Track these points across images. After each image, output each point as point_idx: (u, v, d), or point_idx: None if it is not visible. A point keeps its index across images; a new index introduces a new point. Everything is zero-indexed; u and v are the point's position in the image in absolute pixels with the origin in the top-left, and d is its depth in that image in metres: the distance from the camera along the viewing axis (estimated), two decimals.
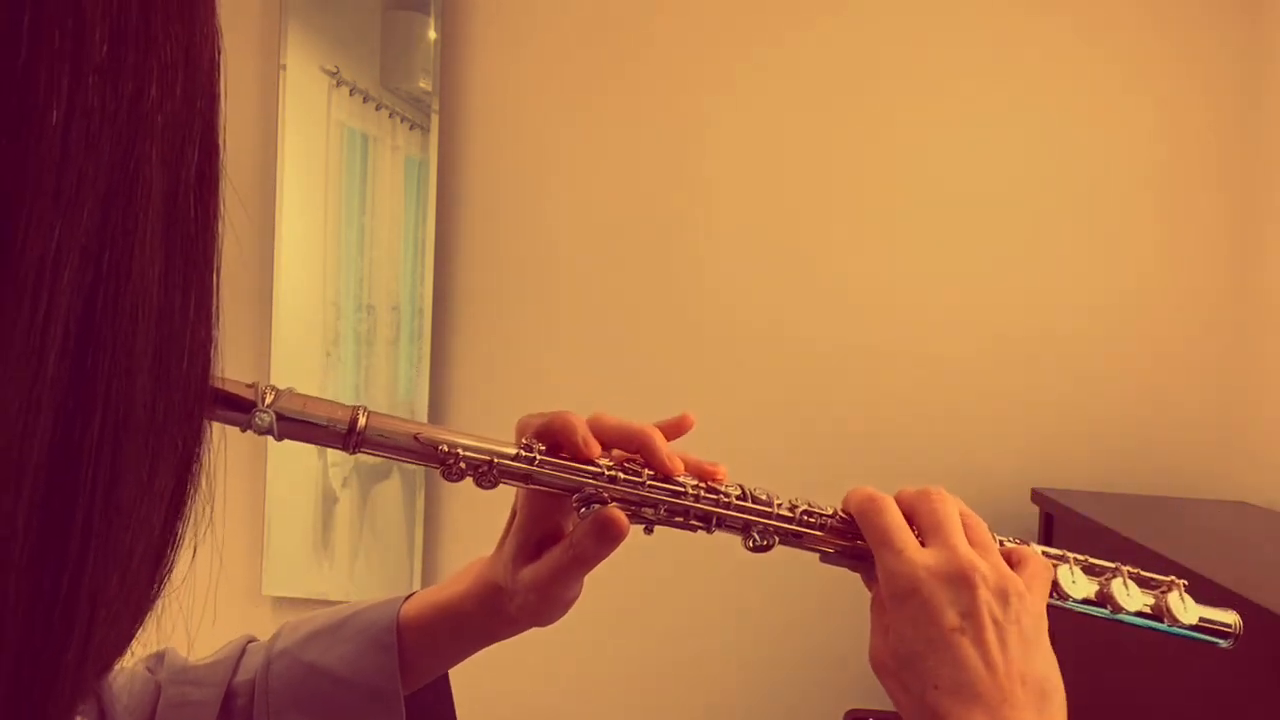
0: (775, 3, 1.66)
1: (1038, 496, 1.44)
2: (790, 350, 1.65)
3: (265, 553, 1.72)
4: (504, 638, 0.60)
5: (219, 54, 0.27)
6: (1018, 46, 1.62)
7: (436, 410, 1.68)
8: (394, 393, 1.69)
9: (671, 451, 0.53)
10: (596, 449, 0.52)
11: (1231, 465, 1.57)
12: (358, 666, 0.59)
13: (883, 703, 1.54)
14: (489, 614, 0.58)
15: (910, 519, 0.53)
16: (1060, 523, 1.36)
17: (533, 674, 1.68)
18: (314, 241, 1.69)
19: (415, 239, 1.68)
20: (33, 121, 0.21)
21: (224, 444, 0.32)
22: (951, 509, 0.53)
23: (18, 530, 0.21)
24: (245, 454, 1.70)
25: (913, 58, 1.63)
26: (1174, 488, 1.59)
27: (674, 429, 0.56)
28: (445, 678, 0.64)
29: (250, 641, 0.63)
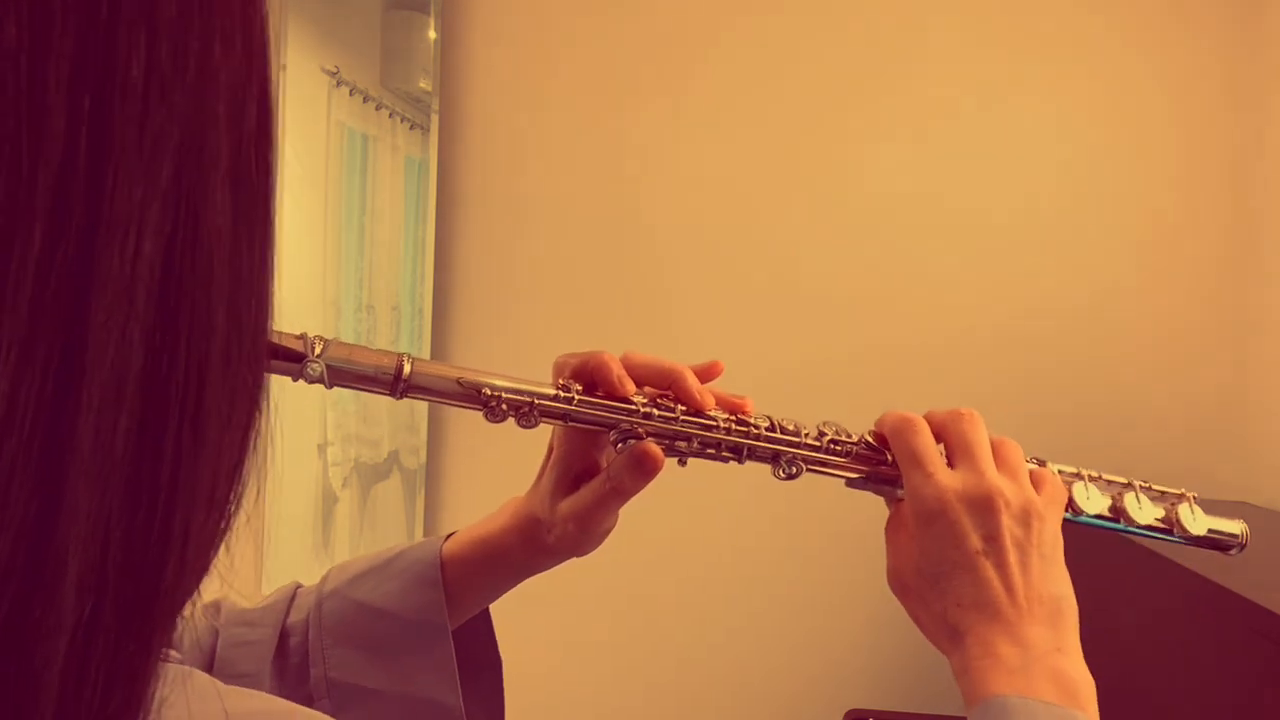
0: (777, 3, 1.66)
1: None
2: (783, 348, 1.65)
3: (265, 553, 1.71)
4: (543, 569, 0.62)
5: (267, 13, 0.29)
6: (1013, 29, 1.62)
7: (435, 409, 1.68)
8: None
9: (702, 387, 0.56)
10: (631, 386, 0.55)
11: (1231, 465, 1.57)
12: (405, 602, 0.61)
13: (882, 703, 1.54)
14: (528, 546, 0.61)
15: (940, 440, 0.55)
16: None
17: (530, 646, 1.68)
18: (314, 241, 1.69)
19: (415, 239, 1.68)
20: (116, 78, 0.23)
21: None
22: (982, 432, 0.55)
23: (116, 458, 0.23)
24: None
25: (909, 48, 1.63)
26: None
27: (705, 373, 0.59)
28: (486, 613, 0.66)
29: (299, 587, 0.66)
